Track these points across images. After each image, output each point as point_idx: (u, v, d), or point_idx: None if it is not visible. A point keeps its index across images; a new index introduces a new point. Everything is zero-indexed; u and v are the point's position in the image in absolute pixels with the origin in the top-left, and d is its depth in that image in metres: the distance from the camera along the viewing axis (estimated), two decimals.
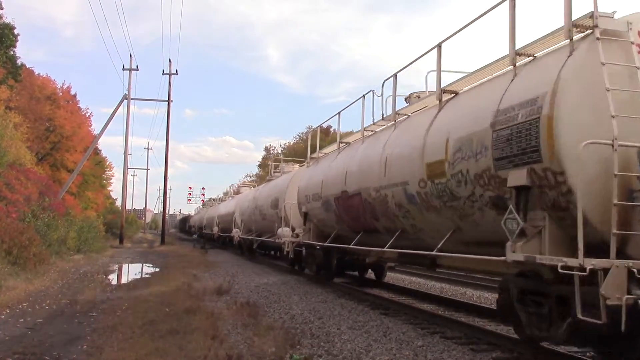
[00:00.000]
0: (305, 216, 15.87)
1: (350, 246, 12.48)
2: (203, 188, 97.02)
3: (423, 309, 11.08)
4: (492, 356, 7.11)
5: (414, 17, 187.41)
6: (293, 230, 16.76)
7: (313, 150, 17.07)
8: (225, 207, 38.57)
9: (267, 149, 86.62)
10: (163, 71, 42.69)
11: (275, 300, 12.21)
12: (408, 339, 8.17)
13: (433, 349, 7.51)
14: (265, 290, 13.91)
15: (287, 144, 77.36)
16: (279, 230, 17.66)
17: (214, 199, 65.43)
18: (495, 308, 8.41)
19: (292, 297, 12.61)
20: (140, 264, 23.64)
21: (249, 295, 12.80)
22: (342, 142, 14.22)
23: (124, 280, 17.74)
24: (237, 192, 39.23)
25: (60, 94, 39.31)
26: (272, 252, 27.55)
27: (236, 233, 28.59)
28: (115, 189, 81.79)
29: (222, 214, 37.76)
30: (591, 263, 5.22)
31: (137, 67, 41.43)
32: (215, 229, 38.47)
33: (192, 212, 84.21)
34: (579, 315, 5.45)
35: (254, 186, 36.11)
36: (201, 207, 70.60)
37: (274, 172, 25.82)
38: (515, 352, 7.23)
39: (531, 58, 7.01)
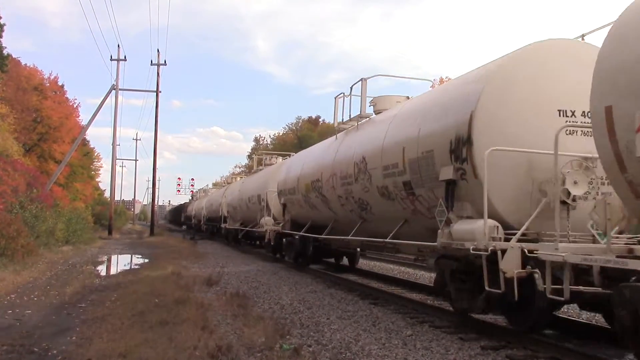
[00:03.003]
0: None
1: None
2: (192, 179, 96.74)
3: (412, 298, 11.15)
4: (480, 345, 7.16)
5: (403, 6, 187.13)
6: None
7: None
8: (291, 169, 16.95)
9: (256, 140, 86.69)
10: (151, 62, 42.43)
11: (265, 290, 12.23)
12: (397, 328, 8.22)
13: (422, 338, 7.57)
14: (254, 281, 13.92)
15: (277, 135, 77.27)
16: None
17: (203, 189, 63.17)
18: None
19: (282, 288, 12.64)
20: (130, 255, 23.51)
21: (239, 286, 12.81)
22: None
23: (113, 271, 17.66)
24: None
25: (48, 84, 38.94)
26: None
27: None
28: (103, 180, 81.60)
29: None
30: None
31: (125, 57, 40.89)
32: (270, 222, 19.18)
33: (184, 204, 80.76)
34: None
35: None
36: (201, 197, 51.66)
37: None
38: (504, 341, 7.30)
39: None
